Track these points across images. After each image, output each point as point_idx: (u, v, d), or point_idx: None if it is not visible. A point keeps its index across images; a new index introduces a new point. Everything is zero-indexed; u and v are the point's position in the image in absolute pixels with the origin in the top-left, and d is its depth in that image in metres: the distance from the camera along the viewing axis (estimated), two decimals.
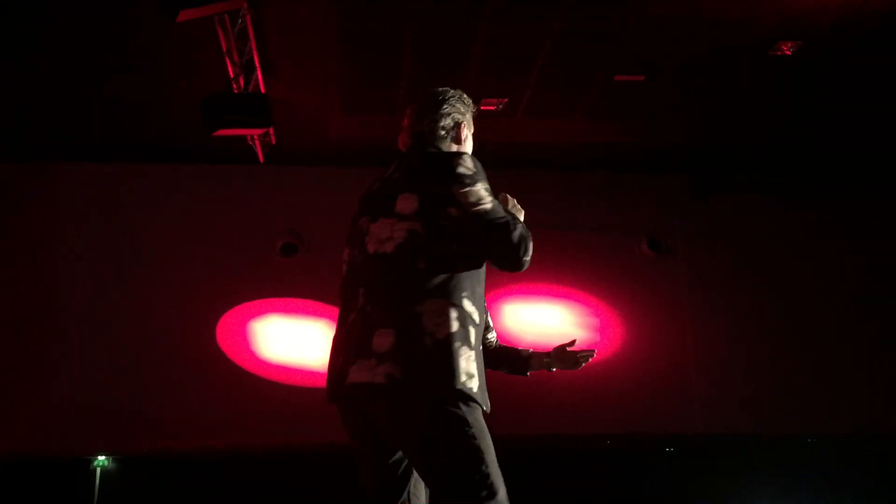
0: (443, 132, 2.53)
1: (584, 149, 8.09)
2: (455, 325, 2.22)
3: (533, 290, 8.11)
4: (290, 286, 8.03)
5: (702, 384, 8.21)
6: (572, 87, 7.01)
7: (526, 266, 2.33)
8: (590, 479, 9.05)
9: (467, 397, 2.19)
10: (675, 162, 8.42)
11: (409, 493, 2.36)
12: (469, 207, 2.27)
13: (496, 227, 2.28)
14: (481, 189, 2.31)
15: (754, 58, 6.52)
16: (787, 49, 6.39)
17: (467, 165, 2.33)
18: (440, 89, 2.59)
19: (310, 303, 7.99)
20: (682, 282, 8.56)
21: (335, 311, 2.51)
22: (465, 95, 2.61)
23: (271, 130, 6.95)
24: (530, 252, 2.33)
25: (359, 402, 2.29)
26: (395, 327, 2.21)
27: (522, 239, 2.31)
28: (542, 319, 8.17)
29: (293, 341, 8.01)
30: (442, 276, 2.27)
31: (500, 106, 7.19)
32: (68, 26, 6.04)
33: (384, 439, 2.33)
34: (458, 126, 2.55)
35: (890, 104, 7.23)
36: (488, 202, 2.30)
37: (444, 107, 2.54)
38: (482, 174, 2.35)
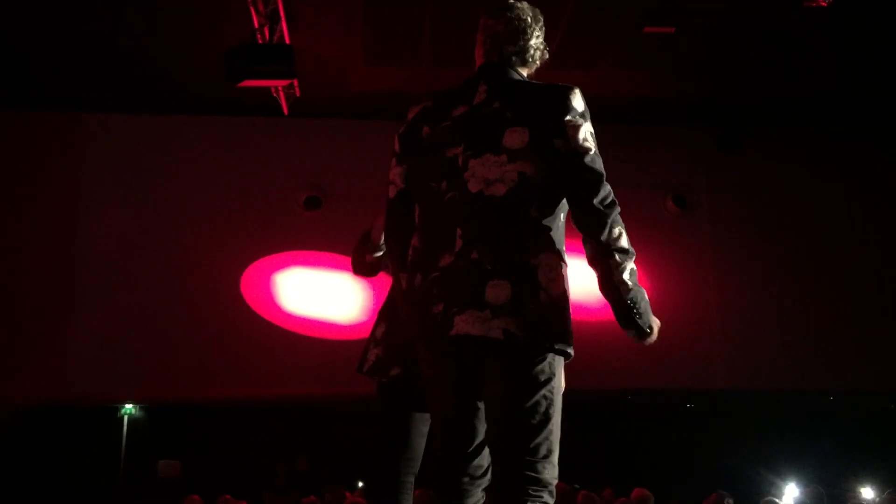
0: (535, 55, 2.39)
1: (609, 101, 7.96)
2: (566, 284, 2.21)
3: None
4: (313, 239, 8.06)
5: (724, 340, 8.19)
6: (599, 38, 6.89)
7: (606, 229, 2.19)
8: (610, 433, 9.10)
9: (568, 356, 2.24)
10: (702, 116, 8.30)
11: (482, 440, 2.31)
12: (574, 142, 2.18)
13: (594, 176, 2.18)
14: (589, 129, 2.22)
15: (789, 8, 6.37)
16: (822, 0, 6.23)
17: (579, 100, 2.23)
18: (524, 6, 2.40)
19: (333, 255, 8.01)
20: (706, 238, 8.49)
21: None
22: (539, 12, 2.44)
23: (295, 82, 6.90)
24: (615, 218, 2.21)
25: (462, 351, 2.21)
26: (510, 279, 2.13)
27: (612, 201, 2.22)
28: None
29: (316, 294, 8.05)
30: (551, 226, 2.21)
31: None
32: None
33: (474, 387, 2.27)
34: (543, 50, 2.42)
35: None
36: (593, 145, 2.20)
37: (535, 32, 2.38)
38: (589, 115, 2.24)
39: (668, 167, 8.51)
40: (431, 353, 2.29)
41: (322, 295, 8.04)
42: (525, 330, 2.12)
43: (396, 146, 2.43)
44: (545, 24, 2.44)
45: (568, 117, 2.19)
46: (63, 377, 7.63)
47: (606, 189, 2.21)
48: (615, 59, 7.20)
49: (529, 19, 2.37)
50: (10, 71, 7.31)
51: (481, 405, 2.26)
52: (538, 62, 2.41)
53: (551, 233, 2.21)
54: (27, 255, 7.86)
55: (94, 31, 6.73)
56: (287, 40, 6.45)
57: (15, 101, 7.86)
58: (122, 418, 8.82)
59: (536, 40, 2.38)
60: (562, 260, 2.23)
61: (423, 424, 2.91)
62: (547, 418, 2.16)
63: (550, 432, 2.16)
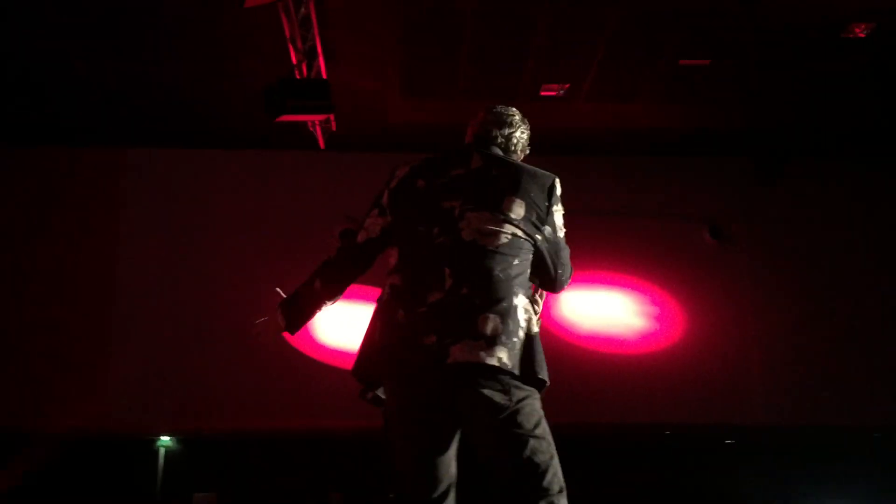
0: (517, 146, 2.70)
1: (646, 134, 7.96)
2: (538, 325, 2.46)
3: (592, 277, 8.02)
4: None
5: (764, 375, 8.05)
6: (635, 71, 6.90)
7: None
8: (648, 469, 8.97)
9: (544, 385, 2.40)
10: (739, 147, 8.23)
11: (452, 482, 2.39)
12: (557, 230, 2.56)
13: (565, 254, 2.61)
14: (562, 214, 2.59)
15: (825, 40, 6.33)
16: (860, 31, 6.18)
17: (560, 189, 2.57)
18: (516, 111, 2.75)
19: (367, 288, 7.97)
20: (744, 270, 8.38)
21: None
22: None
23: (332, 116, 6.98)
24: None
25: (456, 380, 2.31)
26: (499, 314, 2.33)
27: (571, 271, 2.68)
28: (601, 308, 8.08)
29: (350, 326, 8.04)
30: (525, 274, 2.47)
31: (562, 91, 7.11)
32: (135, 13, 6.15)
33: (457, 421, 2.38)
34: (525, 144, 2.74)
35: None
36: (563, 229, 2.61)
37: (521, 129, 2.72)
38: None
39: (705, 198, 8.44)
40: (418, 385, 2.39)
41: (358, 327, 8.03)
42: (513, 360, 2.31)
43: (385, 198, 2.69)
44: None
45: (555, 208, 2.54)
46: (100, 409, 7.69)
47: (569, 266, 2.65)
48: (652, 91, 7.19)
49: (517, 118, 2.72)
50: (54, 108, 7.49)
51: (455, 447, 2.41)
52: (518, 153, 2.71)
53: (526, 280, 2.48)
54: (67, 288, 7.98)
55: (132, 67, 6.87)
56: (324, 75, 6.54)
57: (57, 137, 8.04)
58: (158, 450, 8.86)
59: (521, 134, 2.71)
60: (534, 302, 2.50)
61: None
62: (549, 455, 2.29)
63: (556, 467, 2.29)
